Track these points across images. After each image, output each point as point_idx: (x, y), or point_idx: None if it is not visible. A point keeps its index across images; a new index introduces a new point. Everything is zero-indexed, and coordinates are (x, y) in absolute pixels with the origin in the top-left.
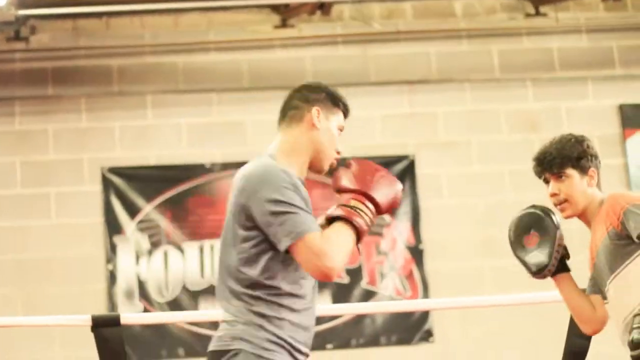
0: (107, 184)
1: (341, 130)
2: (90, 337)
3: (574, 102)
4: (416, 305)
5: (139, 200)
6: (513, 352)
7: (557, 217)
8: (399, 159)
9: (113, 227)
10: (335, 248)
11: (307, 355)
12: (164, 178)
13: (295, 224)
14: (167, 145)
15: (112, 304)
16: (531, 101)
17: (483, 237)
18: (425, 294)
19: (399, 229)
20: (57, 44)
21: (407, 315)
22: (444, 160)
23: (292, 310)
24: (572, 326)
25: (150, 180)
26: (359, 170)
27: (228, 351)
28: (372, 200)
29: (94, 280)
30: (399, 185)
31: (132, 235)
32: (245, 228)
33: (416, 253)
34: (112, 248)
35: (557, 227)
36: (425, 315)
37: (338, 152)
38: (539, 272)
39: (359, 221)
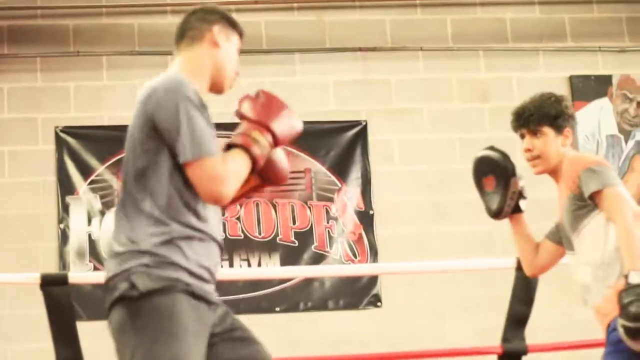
0: (60, 144)
1: (239, 52)
2: (40, 295)
3: (525, 73)
4: (365, 269)
5: (92, 161)
6: (460, 317)
7: (513, 163)
8: (351, 124)
9: (66, 186)
10: (231, 175)
11: None
12: (118, 139)
13: (200, 142)
14: (121, 106)
15: (64, 263)
16: (483, 71)
17: (432, 203)
18: (374, 259)
19: (349, 194)
20: (13, 2)
21: (355, 280)
22: (395, 127)
23: None
24: (515, 293)
25: (104, 140)
26: (265, 101)
27: None
28: (272, 133)
29: (46, 239)
30: (299, 125)
31: (84, 195)
32: (148, 138)
33: (366, 218)
34: (65, 208)
35: (510, 174)
36: (373, 280)
37: (237, 73)
38: (495, 215)
39: (256, 151)
